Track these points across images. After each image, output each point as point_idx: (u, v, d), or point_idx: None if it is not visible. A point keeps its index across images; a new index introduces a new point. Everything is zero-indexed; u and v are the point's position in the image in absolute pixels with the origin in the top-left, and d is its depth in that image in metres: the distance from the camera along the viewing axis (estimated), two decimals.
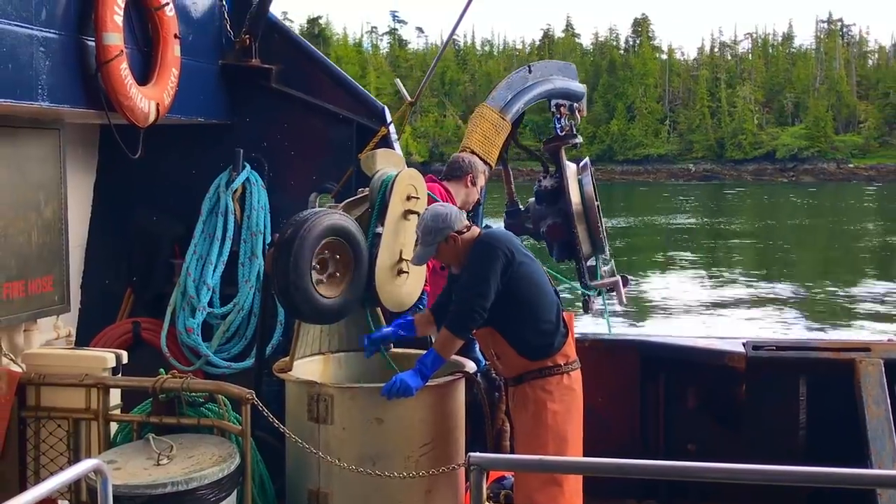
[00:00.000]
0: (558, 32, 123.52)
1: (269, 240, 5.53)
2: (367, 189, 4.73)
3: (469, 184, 5.51)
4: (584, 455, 4.46)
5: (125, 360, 4.72)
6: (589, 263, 6.36)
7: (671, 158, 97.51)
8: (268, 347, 5.32)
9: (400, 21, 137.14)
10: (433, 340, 4.32)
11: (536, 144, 8.03)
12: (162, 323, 5.55)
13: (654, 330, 16.07)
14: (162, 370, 4.41)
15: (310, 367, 4.64)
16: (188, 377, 4.31)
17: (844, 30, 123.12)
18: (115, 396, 4.44)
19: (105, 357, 4.63)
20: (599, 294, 6.43)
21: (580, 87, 6.59)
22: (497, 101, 6.14)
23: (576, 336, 6.46)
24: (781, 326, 17.20)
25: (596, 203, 6.23)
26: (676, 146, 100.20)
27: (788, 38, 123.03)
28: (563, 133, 6.41)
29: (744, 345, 5.43)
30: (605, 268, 6.48)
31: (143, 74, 4.89)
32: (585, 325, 7.29)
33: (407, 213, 4.54)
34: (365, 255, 4.44)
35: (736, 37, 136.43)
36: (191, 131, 5.67)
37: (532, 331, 4.20)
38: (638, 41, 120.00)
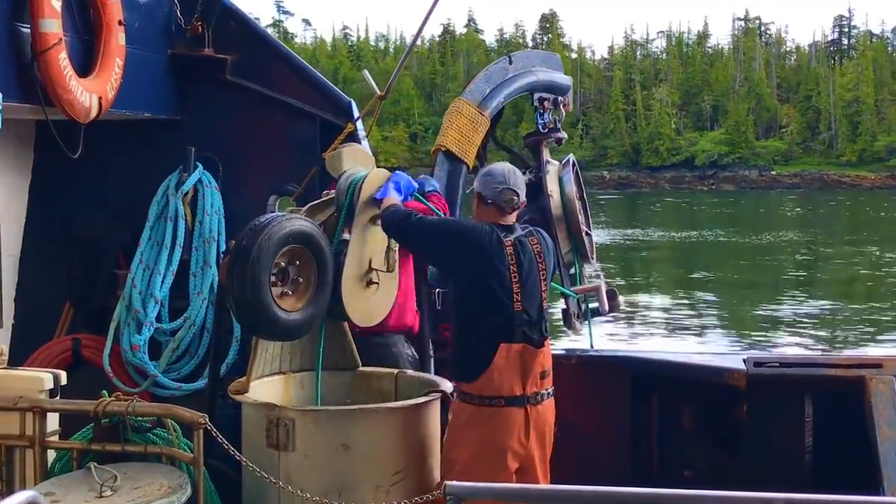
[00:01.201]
0: (459, 28, 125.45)
1: (223, 247, 5.52)
2: (333, 191, 4.74)
3: None
4: (570, 482, 4.48)
5: (64, 381, 4.68)
6: (570, 272, 6.41)
7: (584, 165, 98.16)
8: (222, 367, 5.30)
9: (285, 13, 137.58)
10: None
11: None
12: (105, 340, 5.53)
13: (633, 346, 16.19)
14: (105, 392, 4.39)
15: (269, 388, 4.63)
16: (134, 400, 4.29)
17: (762, 28, 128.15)
18: (52, 421, 4.40)
19: (41, 378, 4.59)
20: (581, 303, 6.47)
21: (565, 80, 6.64)
22: (475, 95, 6.18)
23: (559, 352, 6.53)
24: (770, 343, 17.38)
25: (578, 203, 6.28)
26: (589, 152, 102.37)
27: (704, 36, 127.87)
28: (546, 129, 6.46)
29: (744, 361, 5.48)
30: (588, 275, 6.52)
31: (84, 65, 4.88)
32: (569, 341, 7.33)
33: (376, 219, 4.55)
34: (330, 264, 4.45)
35: (648, 35, 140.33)
36: (137, 128, 5.66)
37: (457, 343, 4.45)
38: (546, 39, 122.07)
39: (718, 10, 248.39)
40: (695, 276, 28.48)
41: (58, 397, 4.60)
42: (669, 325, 19.25)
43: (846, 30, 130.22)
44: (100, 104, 4.85)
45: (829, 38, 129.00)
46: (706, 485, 3.32)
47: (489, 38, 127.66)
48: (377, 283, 4.55)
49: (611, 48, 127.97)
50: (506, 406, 4.32)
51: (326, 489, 4.08)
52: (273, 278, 4.24)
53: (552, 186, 6.26)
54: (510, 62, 6.37)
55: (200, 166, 5.67)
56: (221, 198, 5.68)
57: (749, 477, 5.44)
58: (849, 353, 13.96)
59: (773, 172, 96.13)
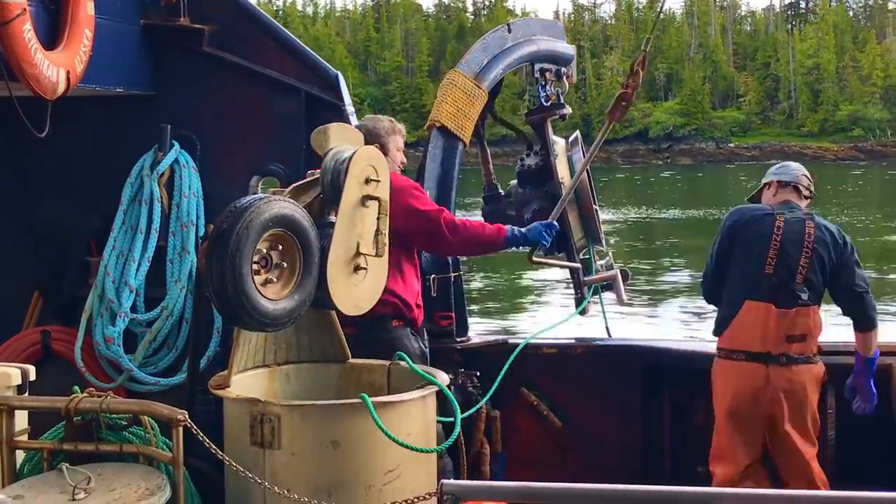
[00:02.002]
0: None
1: (202, 232, 5.52)
2: (319, 171, 4.73)
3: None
4: (577, 480, 4.49)
5: (32, 376, 4.69)
6: (582, 256, 6.41)
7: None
8: (202, 360, 5.31)
9: None
10: None
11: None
12: (76, 332, 5.53)
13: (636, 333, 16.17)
14: (77, 388, 4.39)
15: (252, 382, 4.64)
16: (108, 396, 4.28)
17: None
18: (21, 419, 4.40)
19: (8, 373, 4.59)
20: (595, 292, 6.48)
21: (569, 49, 6.64)
22: (471, 66, 6.17)
23: (567, 342, 6.55)
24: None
25: (590, 185, 6.27)
26: None
27: (654, 1, 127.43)
28: (549, 103, 6.45)
29: None
30: (602, 261, 6.52)
31: (51, 37, 4.86)
32: (579, 328, 7.33)
33: (365, 199, 4.54)
34: (316, 249, 4.44)
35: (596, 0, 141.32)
36: (108, 104, 5.65)
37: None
38: (489, 3, 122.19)
39: None
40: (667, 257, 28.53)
41: (26, 394, 4.62)
42: (684, 311, 19.23)
43: None
44: (68, 79, 4.83)
45: (787, 2, 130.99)
46: None
47: (426, 2, 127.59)
48: (365, 268, 4.53)
49: (556, 13, 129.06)
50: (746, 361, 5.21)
51: (314, 489, 4.08)
52: (255, 265, 4.23)
53: (561, 168, 6.25)
54: (509, 30, 6.36)
55: (177, 145, 5.66)
56: (200, 179, 5.68)
57: (769, 473, 5.46)
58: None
59: (732, 145, 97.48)
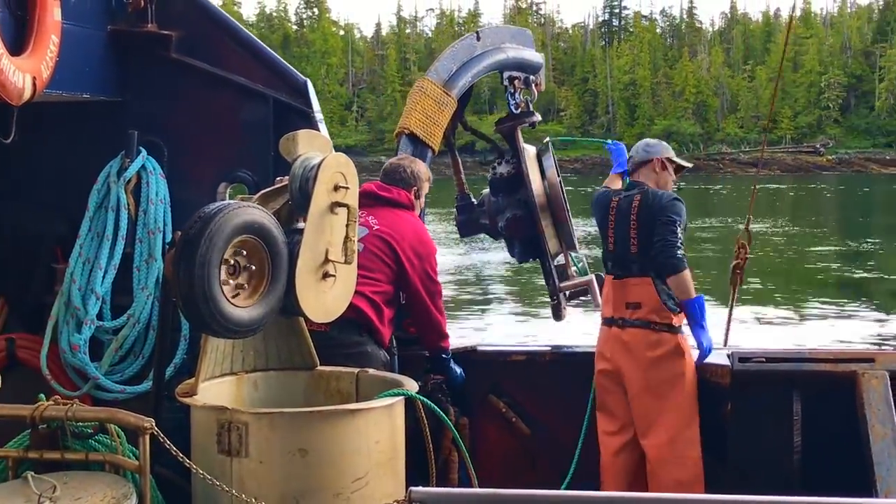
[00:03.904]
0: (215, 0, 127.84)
1: (169, 239, 5.49)
2: (287, 178, 4.73)
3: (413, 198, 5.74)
4: (545, 487, 4.51)
5: None
6: (557, 262, 6.43)
7: (361, 150, 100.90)
8: (169, 367, 5.29)
9: None
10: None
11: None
12: (41, 339, 5.48)
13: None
14: (42, 396, 4.36)
15: (220, 389, 4.63)
16: (74, 404, 4.26)
17: (535, 8, 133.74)
18: None
19: None
20: (571, 298, 6.51)
21: (537, 57, 6.66)
22: (440, 74, 6.19)
23: (535, 349, 6.58)
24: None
25: (562, 191, 6.30)
26: (366, 136, 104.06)
27: (475, 15, 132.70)
28: (519, 110, 6.48)
29: (728, 356, 5.53)
30: (575, 267, 6.55)
31: (17, 42, 4.82)
32: (549, 334, 7.38)
33: (334, 206, 4.55)
34: (284, 256, 4.44)
35: (417, 13, 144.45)
36: (75, 110, 5.61)
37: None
38: (314, 14, 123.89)
39: None
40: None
41: None
42: None
43: (617, 10, 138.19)
44: (34, 85, 4.79)
45: (601, 19, 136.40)
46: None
47: (247, 12, 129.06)
48: (334, 275, 4.54)
49: (378, 25, 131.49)
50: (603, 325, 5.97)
51: (282, 497, 4.08)
52: (223, 272, 4.22)
53: (534, 175, 6.28)
54: (478, 38, 6.38)
55: (144, 151, 5.63)
56: (167, 185, 5.64)
57: (735, 480, 5.51)
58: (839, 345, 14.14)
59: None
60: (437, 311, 5.67)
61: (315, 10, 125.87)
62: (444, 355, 5.80)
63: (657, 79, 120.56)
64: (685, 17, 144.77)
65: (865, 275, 25.58)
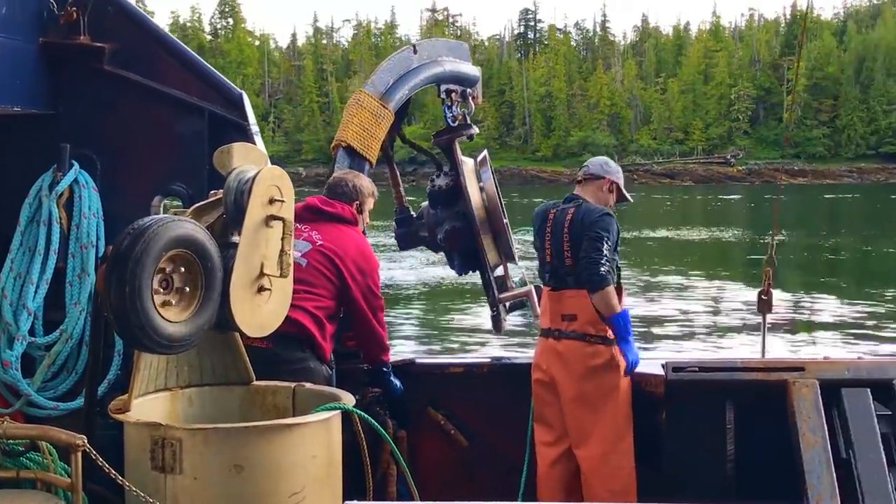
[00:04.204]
0: None
1: (102, 253, 5.44)
2: (221, 191, 4.70)
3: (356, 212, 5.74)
4: (484, 499, 4.53)
5: None
6: (497, 273, 6.46)
7: (278, 161, 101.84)
8: (103, 383, 5.23)
9: None
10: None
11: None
12: None
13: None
14: None
15: (153, 405, 4.57)
16: (5, 421, 4.19)
17: (452, 20, 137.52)
18: None
19: None
20: (511, 309, 6.54)
21: (474, 71, 6.70)
22: (377, 87, 6.20)
23: (473, 361, 6.60)
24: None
25: (500, 203, 6.34)
26: (283, 147, 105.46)
27: (392, 26, 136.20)
28: (456, 123, 6.50)
29: (663, 366, 5.58)
30: (516, 278, 6.58)
31: None
32: (489, 347, 7.40)
33: (269, 219, 4.52)
34: (218, 270, 4.40)
35: (333, 24, 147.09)
36: (5, 124, 5.54)
37: None
38: (228, 24, 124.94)
39: (404, 0, 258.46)
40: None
41: None
42: None
43: (532, 23, 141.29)
44: None
45: (517, 32, 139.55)
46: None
47: (161, 22, 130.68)
48: (270, 289, 4.51)
49: (294, 35, 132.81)
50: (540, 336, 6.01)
51: None
52: (156, 286, 4.18)
53: (472, 187, 6.30)
54: (414, 51, 6.41)
55: (76, 165, 5.57)
56: (100, 199, 5.58)
57: (669, 490, 5.56)
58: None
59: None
60: (380, 325, 5.67)
61: (230, 19, 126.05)
62: (384, 368, 5.80)
63: (572, 91, 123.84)
64: (598, 30, 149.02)
65: (791, 285, 25.95)
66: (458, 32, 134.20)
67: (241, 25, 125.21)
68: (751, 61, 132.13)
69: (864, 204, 70.08)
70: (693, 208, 64.67)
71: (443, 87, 6.49)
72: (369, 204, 5.90)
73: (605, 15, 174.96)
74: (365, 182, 5.88)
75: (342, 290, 5.50)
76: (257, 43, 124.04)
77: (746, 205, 69.73)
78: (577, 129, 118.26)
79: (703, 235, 42.12)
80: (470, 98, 6.64)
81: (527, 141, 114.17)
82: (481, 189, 6.37)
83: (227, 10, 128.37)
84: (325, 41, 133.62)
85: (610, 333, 5.77)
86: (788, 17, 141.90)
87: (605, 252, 5.77)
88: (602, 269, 5.73)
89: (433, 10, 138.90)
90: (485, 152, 6.71)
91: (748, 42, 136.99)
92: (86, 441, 4.03)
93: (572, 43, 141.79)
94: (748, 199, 76.13)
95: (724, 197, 79.28)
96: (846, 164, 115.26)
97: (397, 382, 5.84)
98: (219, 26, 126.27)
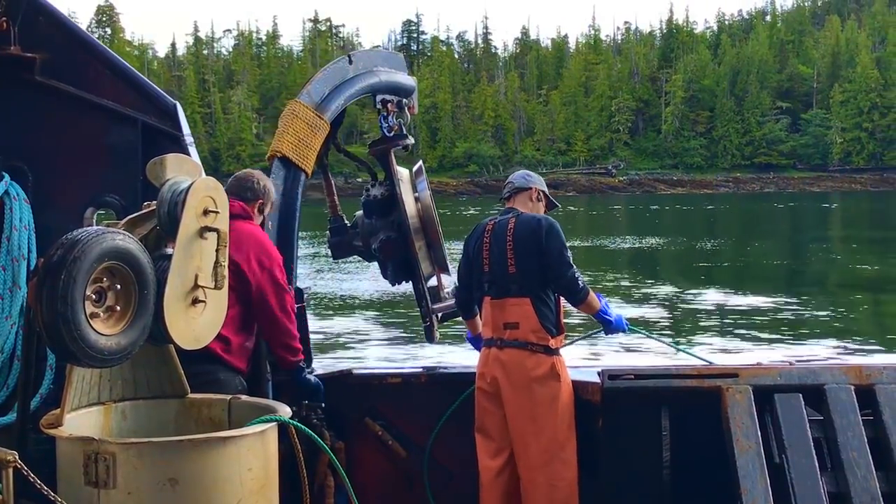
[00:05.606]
0: None
1: (34, 266, 5.35)
2: (155, 202, 4.65)
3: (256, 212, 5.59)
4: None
5: None
6: (431, 284, 6.45)
7: None
8: (35, 398, 5.16)
9: None
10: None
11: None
12: None
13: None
14: None
15: (87, 420, 4.51)
16: None
17: (334, 31, 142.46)
18: None
19: None
20: (443, 320, 6.53)
21: (409, 81, 6.70)
22: (312, 97, 6.17)
23: (410, 371, 6.58)
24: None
25: (435, 213, 6.34)
26: None
27: (274, 37, 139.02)
28: (392, 133, 6.50)
29: (599, 374, 5.60)
30: (449, 289, 6.58)
31: None
32: (428, 356, 7.39)
33: (204, 231, 4.48)
34: (152, 282, 4.35)
35: (214, 33, 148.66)
36: None
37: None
38: (106, 33, 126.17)
39: (287, 10, 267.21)
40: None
41: None
42: None
43: (415, 35, 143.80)
44: None
45: (400, 43, 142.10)
46: None
47: None
48: (204, 301, 4.46)
49: (173, 45, 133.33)
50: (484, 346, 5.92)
51: None
52: (88, 299, 4.12)
53: (407, 197, 6.29)
54: (350, 61, 6.38)
55: (7, 177, 5.49)
56: (32, 211, 5.50)
57: (607, 497, 5.58)
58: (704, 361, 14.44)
59: (359, 179, 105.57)
60: (289, 320, 5.45)
61: (108, 28, 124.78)
62: (297, 368, 5.57)
63: (457, 102, 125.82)
64: (481, 42, 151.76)
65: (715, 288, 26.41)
66: (342, 43, 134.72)
67: (119, 35, 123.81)
68: (630, 74, 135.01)
69: (739, 213, 71.58)
70: (579, 218, 65.66)
71: (378, 98, 6.48)
72: (269, 207, 5.73)
73: (486, 27, 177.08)
74: (272, 186, 5.75)
75: (245, 292, 5.30)
76: (136, 53, 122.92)
77: (626, 213, 71.58)
78: (462, 140, 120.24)
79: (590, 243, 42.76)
80: (406, 108, 6.63)
81: (412, 151, 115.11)
82: (416, 199, 6.37)
83: (105, 18, 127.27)
84: (205, 51, 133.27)
85: (552, 343, 5.75)
86: (664, 30, 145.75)
87: (571, 261, 5.81)
88: (579, 282, 5.78)
89: (315, 21, 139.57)
90: (420, 163, 6.71)
91: (626, 55, 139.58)
92: (17, 457, 3.95)
93: (455, 55, 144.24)
94: (626, 208, 78.30)
95: (612, 207, 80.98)
96: (722, 174, 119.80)
97: (313, 379, 5.68)
98: (97, 35, 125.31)
